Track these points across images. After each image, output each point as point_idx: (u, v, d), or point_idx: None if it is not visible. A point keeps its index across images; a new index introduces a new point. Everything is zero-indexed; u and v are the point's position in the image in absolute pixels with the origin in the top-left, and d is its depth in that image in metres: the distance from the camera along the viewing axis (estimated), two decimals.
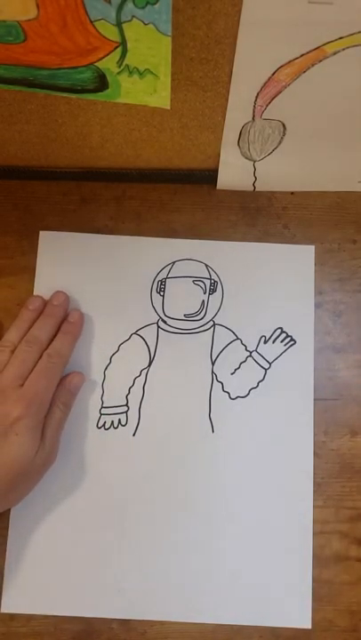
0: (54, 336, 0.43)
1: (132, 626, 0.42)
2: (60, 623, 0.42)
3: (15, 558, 0.42)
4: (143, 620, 0.42)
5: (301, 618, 0.42)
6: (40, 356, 0.41)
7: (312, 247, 0.47)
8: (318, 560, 0.43)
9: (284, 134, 0.40)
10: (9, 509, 0.42)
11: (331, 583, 0.42)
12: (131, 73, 0.34)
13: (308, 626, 0.41)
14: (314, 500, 0.43)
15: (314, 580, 0.42)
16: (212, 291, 0.46)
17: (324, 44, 0.31)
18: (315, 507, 0.43)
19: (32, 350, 0.41)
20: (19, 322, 0.43)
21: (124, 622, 0.42)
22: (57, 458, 0.43)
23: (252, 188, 0.48)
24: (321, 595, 0.42)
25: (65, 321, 0.44)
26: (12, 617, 0.42)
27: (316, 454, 0.44)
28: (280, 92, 0.35)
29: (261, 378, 0.45)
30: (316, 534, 0.43)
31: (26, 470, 0.38)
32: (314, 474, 0.44)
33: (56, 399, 0.41)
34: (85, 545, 0.42)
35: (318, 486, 0.43)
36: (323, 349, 0.46)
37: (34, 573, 0.42)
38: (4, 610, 0.42)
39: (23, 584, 0.42)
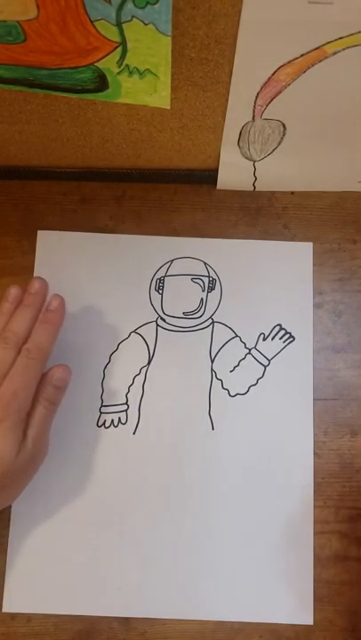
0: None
1: (133, 626, 0.42)
2: (60, 623, 0.42)
3: (16, 558, 0.42)
4: (143, 620, 0.42)
5: (303, 615, 0.42)
6: (20, 351, 0.39)
7: (310, 244, 0.47)
8: (318, 560, 0.43)
9: (284, 134, 0.40)
10: (9, 508, 0.43)
11: (331, 583, 0.42)
12: (131, 73, 0.34)
13: (310, 622, 0.41)
14: (314, 499, 0.43)
15: (314, 580, 0.42)
16: (211, 288, 0.46)
17: (324, 44, 0.31)
18: (315, 507, 0.43)
19: (9, 347, 0.39)
20: None
21: (125, 622, 0.42)
22: (57, 457, 0.43)
23: (252, 188, 0.48)
24: (321, 595, 0.42)
25: (44, 309, 0.41)
26: (13, 617, 0.42)
27: (316, 454, 0.44)
28: (280, 92, 0.36)
29: (261, 375, 0.45)
30: (316, 534, 0.43)
31: (8, 472, 0.37)
32: (314, 474, 0.44)
33: (38, 395, 0.39)
34: (86, 544, 0.42)
35: (318, 486, 0.43)
36: (323, 349, 0.46)
37: (35, 573, 0.42)
38: (6, 610, 0.42)
39: (24, 584, 0.42)
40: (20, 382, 0.38)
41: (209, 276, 0.46)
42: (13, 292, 0.41)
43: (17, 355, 0.39)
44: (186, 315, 0.45)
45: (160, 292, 0.46)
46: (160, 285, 0.46)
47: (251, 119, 0.38)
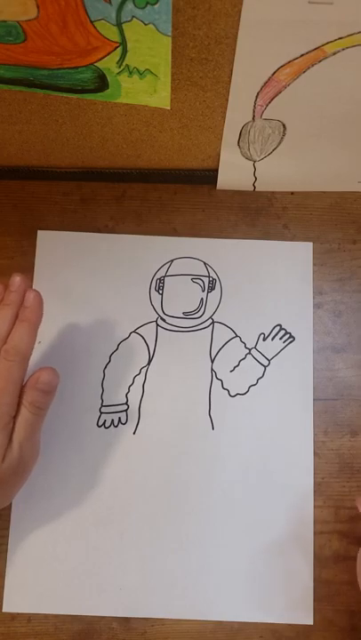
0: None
1: (132, 626, 0.42)
2: (60, 623, 0.42)
3: (16, 558, 0.42)
4: (143, 620, 0.42)
5: (303, 615, 0.42)
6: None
7: (310, 244, 0.47)
8: (318, 560, 0.43)
9: (284, 134, 0.40)
10: (9, 509, 0.43)
11: (331, 583, 0.42)
12: (131, 73, 0.34)
13: (310, 622, 0.41)
14: (314, 499, 0.43)
15: (314, 580, 0.42)
16: (211, 288, 0.46)
17: (324, 44, 0.31)
18: (315, 507, 0.43)
19: None
20: None
21: (124, 622, 0.42)
22: (57, 457, 0.43)
23: (252, 188, 0.48)
24: (321, 595, 0.42)
25: (21, 306, 0.39)
26: (14, 617, 0.42)
27: (316, 454, 0.44)
28: (280, 92, 0.36)
29: (261, 375, 0.45)
30: (316, 534, 0.43)
31: None
32: (314, 474, 0.44)
33: (23, 399, 0.37)
34: (86, 544, 0.42)
35: (318, 486, 0.43)
36: (323, 349, 0.46)
37: (35, 573, 0.42)
38: (6, 610, 0.42)
39: (24, 584, 0.42)
40: None
41: (209, 276, 0.46)
42: None
43: None
44: (186, 315, 0.45)
45: (160, 292, 0.46)
46: (160, 285, 0.46)
47: (251, 119, 0.38)
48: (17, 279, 0.39)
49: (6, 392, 0.36)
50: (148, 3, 0.28)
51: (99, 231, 0.47)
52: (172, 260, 0.46)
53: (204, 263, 0.46)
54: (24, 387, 0.38)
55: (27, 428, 0.37)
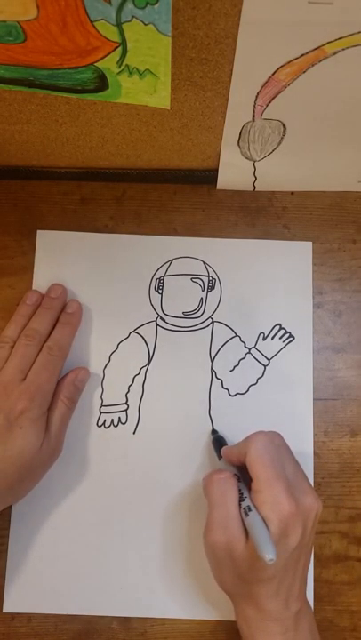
0: (54, 328, 0.43)
1: (132, 625, 0.42)
2: (61, 623, 0.42)
3: (16, 558, 0.42)
4: (143, 620, 0.42)
5: None
6: (40, 349, 0.41)
7: (309, 243, 0.47)
8: (318, 560, 0.43)
9: (284, 134, 0.40)
10: (9, 508, 0.43)
11: (331, 583, 0.42)
12: (131, 73, 0.34)
13: None
14: None
15: (314, 580, 0.42)
16: (211, 288, 0.46)
17: (325, 44, 0.31)
18: None
19: (32, 344, 0.41)
20: (17, 317, 0.43)
21: (125, 622, 0.42)
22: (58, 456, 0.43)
23: (252, 188, 0.48)
24: (321, 595, 0.42)
25: (63, 312, 0.44)
26: (14, 617, 0.42)
27: (316, 454, 0.44)
28: (280, 92, 0.36)
29: (260, 375, 0.45)
30: (316, 534, 0.43)
31: (31, 463, 0.39)
32: (314, 474, 0.44)
33: (60, 393, 0.41)
34: (87, 543, 0.42)
35: (318, 486, 0.43)
36: (323, 349, 0.46)
37: (35, 573, 0.42)
38: (6, 610, 0.42)
39: (24, 584, 0.42)
40: (44, 377, 0.40)
41: (208, 276, 0.46)
42: (32, 295, 0.44)
43: (38, 351, 0.41)
44: (186, 314, 0.45)
45: (160, 291, 0.46)
46: (160, 285, 0.46)
47: (251, 119, 0.38)
48: (59, 289, 0.44)
49: (50, 382, 0.41)
50: (148, 3, 0.28)
51: (98, 231, 0.47)
52: (171, 260, 0.46)
53: (204, 263, 0.46)
54: (61, 382, 0.42)
55: (61, 420, 0.41)
